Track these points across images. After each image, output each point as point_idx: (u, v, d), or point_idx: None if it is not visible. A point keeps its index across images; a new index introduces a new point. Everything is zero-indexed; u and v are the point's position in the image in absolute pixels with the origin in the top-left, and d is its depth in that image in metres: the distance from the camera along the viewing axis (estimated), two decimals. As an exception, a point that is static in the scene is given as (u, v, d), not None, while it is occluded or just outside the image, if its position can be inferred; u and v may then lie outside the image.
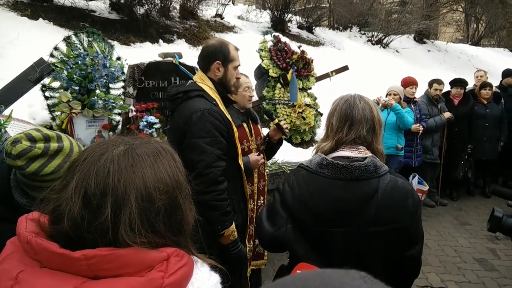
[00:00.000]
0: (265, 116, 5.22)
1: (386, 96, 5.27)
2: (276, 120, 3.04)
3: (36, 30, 5.54)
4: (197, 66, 4.39)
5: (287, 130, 3.08)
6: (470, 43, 15.88)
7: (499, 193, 2.60)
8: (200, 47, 7.84)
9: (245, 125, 2.93)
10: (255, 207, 2.99)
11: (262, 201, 3.10)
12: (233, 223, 2.34)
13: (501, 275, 4.25)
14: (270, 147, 3.14)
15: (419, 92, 5.98)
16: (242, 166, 2.52)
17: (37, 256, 0.80)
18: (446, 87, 6.25)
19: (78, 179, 0.82)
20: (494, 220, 2.18)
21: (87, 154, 0.86)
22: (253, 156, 2.87)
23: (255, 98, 5.25)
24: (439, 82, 5.97)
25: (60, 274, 0.77)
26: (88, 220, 0.80)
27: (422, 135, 5.66)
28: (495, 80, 7.20)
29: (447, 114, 5.88)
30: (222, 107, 2.38)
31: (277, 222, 1.62)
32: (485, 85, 6.41)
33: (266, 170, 3.32)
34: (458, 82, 6.25)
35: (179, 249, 0.85)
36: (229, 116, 2.41)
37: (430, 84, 6.05)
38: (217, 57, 2.40)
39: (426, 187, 5.43)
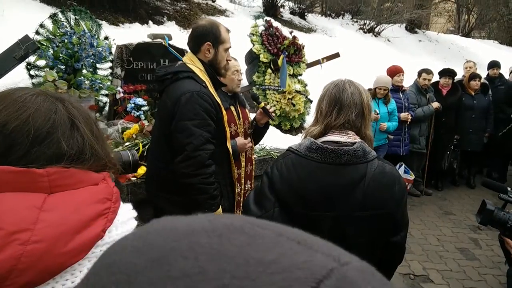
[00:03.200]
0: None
1: (375, 90, 5.17)
2: (262, 104, 3.00)
3: (22, 7, 5.40)
4: (187, 49, 4.37)
5: (273, 114, 3.06)
6: (461, 34, 15.96)
7: (488, 185, 2.60)
8: (191, 30, 7.67)
9: (233, 108, 2.89)
10: (242, 191, 2.98)
11: (250, 186, 3.09)
12: (220, 207, 2.33)
13: (482, 264, 4.34)
14: (257, 131, 3.11)
15: (408, 81, 5.99)
16: (230, 150, 2.51)
17: None
18: (436, 78, 6.28)
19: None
20: (486, 213, 2.18)
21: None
22: (240, 140, 2.85)
23: (245, 82, 5.21)
24: (428, 71, 5.99)
25: (22, 194, 0.81)
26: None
27: (411, 124, 5.68)
28: (483, 72, 7.26)
29: (435, 104, 5.91)
30: (211, 89, 2.34)
31: (265, 205, 1.61)
32: (475, 76, 6.44)
33: (254, 156, 3.30)
34: (446, 72, 6.28)
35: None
36: (218, 99, 2.38)
37: (419, 73, 6.06)
38: (207, 38, 2.35)
39: (412, 177, 5.49)
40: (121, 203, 0.97)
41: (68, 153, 0.87)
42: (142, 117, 3.92)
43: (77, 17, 3.96)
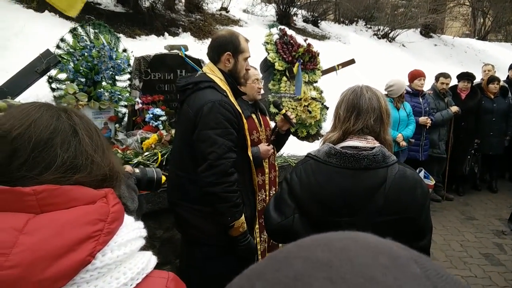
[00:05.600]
0: (270, 108, 5.24)
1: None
2: (284, 111, 3.03)
3: (42, 23, 5.53)
4: (203, 59, 4.41)
5: (294, 121, 3.08)
6: (477, 37, 15.72)
7: None
8: (205, 40, 7.75)
9: (254, 116, 2.92)
10: (267, 198, 2.99)
11: (274, 192, 3.10)
12: (243, 215, 2.34)
13: (507, 270, 4.24)
14: (279, 138, 3.13)
15: (426, 86, 5.92)
16: (251, 158, 2.52)
17: None
18: (454, 82, 6.21)
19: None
20: None
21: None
22: (263, 146, 2.87)
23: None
24: (446, 75, 5.93)
25: (3, 214, 0.79)
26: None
27: (430, 129, 5.61)
28: (502, 75, 7.14)
29: (454, 108, 5.84)
30: (232, 98, 2.37)
31: (284, 211, 1.62)
32: (493, 79, 6.35)
33: (274, 163, 3.32)
34: (465, 76, 6.19)
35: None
36: (239, 108, 2.40)
37: (437, 78, 6.01)
38: (227, 48, 2.39)
39: (432, 182, 5.41)
40: (130, 220, 0.93)
41: (60, 157, 0.86)
42: (160, 127, 3.97)
43: (96, 31, 4.05)
